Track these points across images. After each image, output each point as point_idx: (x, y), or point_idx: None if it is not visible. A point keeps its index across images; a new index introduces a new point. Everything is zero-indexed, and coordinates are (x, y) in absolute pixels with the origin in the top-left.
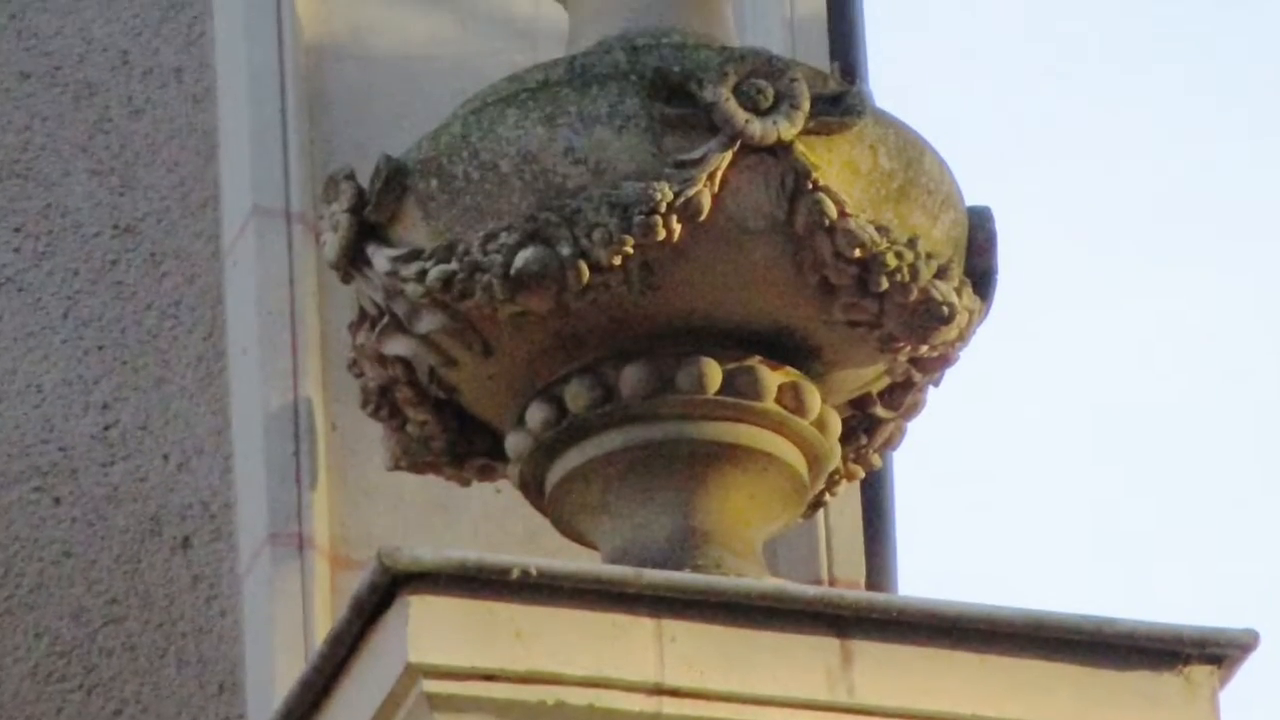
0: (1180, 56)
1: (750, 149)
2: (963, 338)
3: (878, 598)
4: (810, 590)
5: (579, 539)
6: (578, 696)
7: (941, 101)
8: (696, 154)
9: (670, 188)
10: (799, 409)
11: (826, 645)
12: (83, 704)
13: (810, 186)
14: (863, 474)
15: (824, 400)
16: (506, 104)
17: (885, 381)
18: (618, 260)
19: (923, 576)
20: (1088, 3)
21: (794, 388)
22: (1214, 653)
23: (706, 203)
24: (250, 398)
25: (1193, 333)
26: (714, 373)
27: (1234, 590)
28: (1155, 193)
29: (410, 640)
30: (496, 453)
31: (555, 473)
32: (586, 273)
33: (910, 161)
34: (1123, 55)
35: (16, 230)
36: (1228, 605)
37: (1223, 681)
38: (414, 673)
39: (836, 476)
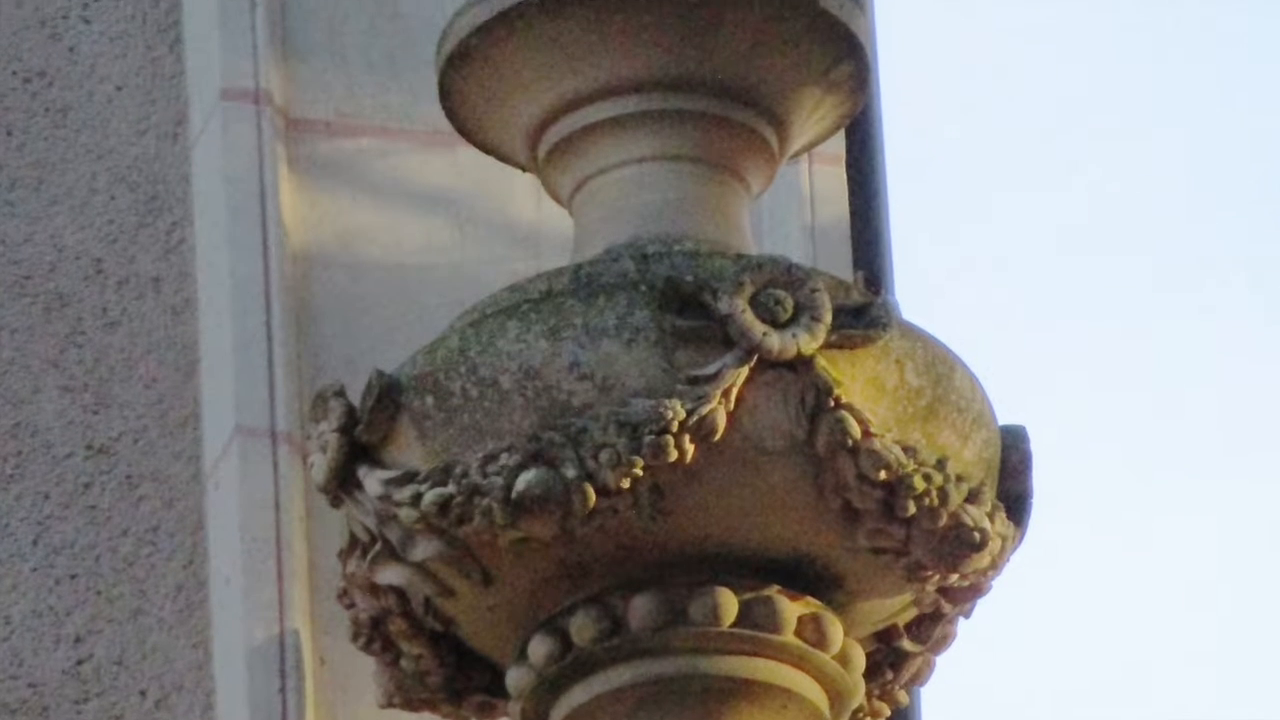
0: (1219, 251)
1: (768, 364)
2: (995, 566)
3: None
4: None
5: None
6: None
7: (973, 314)
8: (710, 369)
9: (682, 405)
10: (820, 642)
11: None
12: None
13: (832, 404)
14: (889, 712)
15: (847, 633)
16: (507, 315)
17: (912, 612)
18: (626, 483)
19: None
20: (1115, 220)
21: (815, 619)
22: None
23: (721, 421)
24: (233, 630)
25: (1241, 561)
26: (729, 603)
27: None
28: (1205, 409)
29: None
30: (497, 689)
31: (560, 710)
32: (593, 496)
33: (939, 377)
34: (1164, 268)
35: None
36: None
37: None
38: None
39: (860, 714)
